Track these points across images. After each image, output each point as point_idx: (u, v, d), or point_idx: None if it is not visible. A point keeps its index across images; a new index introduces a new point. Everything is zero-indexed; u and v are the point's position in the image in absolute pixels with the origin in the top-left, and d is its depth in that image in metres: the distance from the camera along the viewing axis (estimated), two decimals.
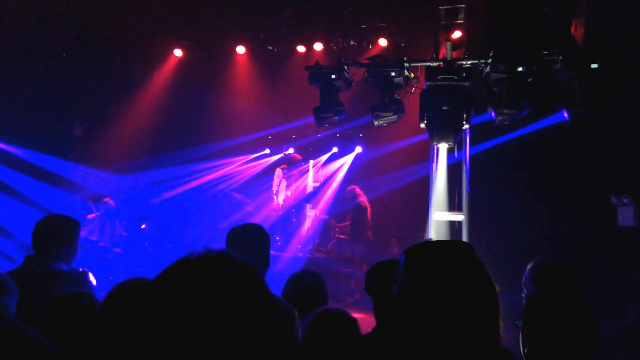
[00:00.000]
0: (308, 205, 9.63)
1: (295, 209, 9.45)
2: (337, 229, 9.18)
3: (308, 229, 9.35)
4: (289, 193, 9.48)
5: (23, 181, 8.86)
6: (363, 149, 10.14)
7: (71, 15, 8.23)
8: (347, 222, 8.76)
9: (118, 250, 8.08)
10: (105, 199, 8.64)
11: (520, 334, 2.15)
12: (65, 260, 2.78)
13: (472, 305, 1.43)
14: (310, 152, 10.49)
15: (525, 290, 2.81)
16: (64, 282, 2.56)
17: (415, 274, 1.51)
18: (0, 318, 1.86)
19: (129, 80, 9.82)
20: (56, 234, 2.78)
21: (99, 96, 9.66)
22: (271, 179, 9.86)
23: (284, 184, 9.42)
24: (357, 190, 8.73)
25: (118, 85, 9.71)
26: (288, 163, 9.64)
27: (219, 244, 8.24)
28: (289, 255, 8.62)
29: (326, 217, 9.36)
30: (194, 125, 10.01)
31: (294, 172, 9.59)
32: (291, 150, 10.18)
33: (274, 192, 9.46)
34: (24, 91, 8.85)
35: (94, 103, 9.70)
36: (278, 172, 9.57)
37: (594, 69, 5.46)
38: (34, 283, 2.10)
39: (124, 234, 8.40)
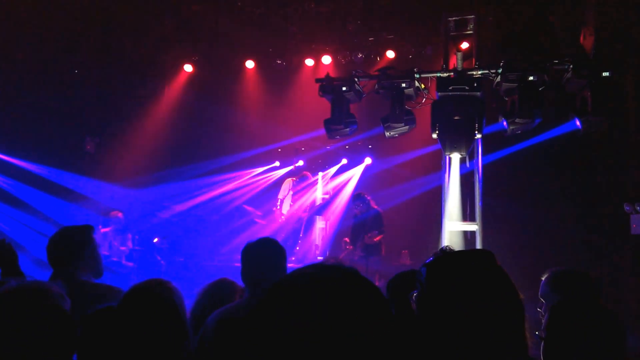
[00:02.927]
0: (318, 217, 9.61)
1: (305, 221, 9.42)
2: (346, 241, 9.13)
3: (319, 240, 9.33)
4: (291, 205, 9.45)
5: (35, 195, 8.95)
6: (373, 161, 10.13)
7: (83, 32, 8.37)
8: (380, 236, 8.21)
9: (130, 264, 8.09)
10: (114, 213, 8.68)
11: (542, 345, 2.13)
12: (89, 272, 2.76)
13: (498, 315, 1.42)
14: (319, 164, 10.50)
15: (543, 302, 2.77)
16: (98, 295, 2.53)
17: (437, 285, 1.50)
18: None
19: (139, 95, 9.92)
20: (75, 246, 2.73)
21: (110, 111, 9.77)
22: (279, 191, 9.83)
23: (290, 195, 9.40)
24: (368, 196, 8.45)
25: (129, 100, 9.81)
26: (299, 177, 9.61)
27: (231, 256, 8.28)
28: (299, 266, 8.58)
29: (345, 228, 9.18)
30: (204, 139, 10.08)
31: (302, 186, 9.55)
32: (300, 163, 10.18)
33: (279, 201, 9.43)
34: (36, 107, 8.97)
35: (105, 118, 9.81)
36: (288, 182, 9.56)
37: (605, 77, 5.45)
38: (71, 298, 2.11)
39: (136, 248, 8.42)
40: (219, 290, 2.88)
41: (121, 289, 2.67)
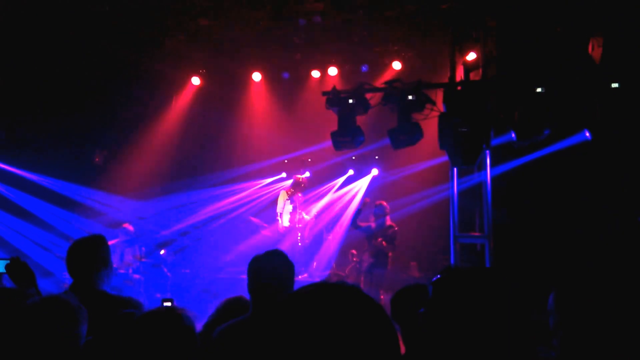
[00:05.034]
0: (324, 229, 9.57)
1: (312, 232, 9.38)
2: (353, 253, 9.07)
3: (325, 252, 9.29)
4: (296, 215, 9.35)
5: (44, 208, 8.99)
6: (379, 172, 10.11)
7: (92, 45, 8.46)
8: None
9: (137, 276, 8.10)
10: (124, 225, 8.72)
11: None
12: (106, 282, 2.81)
13: (507, 336, 1.40)
14: (325, 175, 10.49)
15: (551, 317, 2.72)
16: (116, 305, 2.58)
17: (444, 304, 1.47)
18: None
19: (147, 108, 9.99)
20: (94, 256, 2.79)
21: (118, 124, 9.84)
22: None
23: (289, 206, 9.33)
24: (387, 208, 8.12)
25: (137, 112, 9.88)
26: (294, 187, 9.50)
27: (237, 268, 8.25)
28: (305, 279, 8.55)
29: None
30: (211, 151, 10.12)
31: (299, 195, 9.43)
32: (307, 174, 10.15)
33: (278, 214, 9.35)
34: (44, 119, 9.03)
35: (114, 130, 9.88)
36: (282, 195, 9.50)
37: (615, 88, 5.41)
38: (89, 307, 2.17)
39: (143, 260, 8.43)
40: (234, 309, 2.85)
41: (139, 301, 2.72)
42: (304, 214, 9.28)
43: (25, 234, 8.66)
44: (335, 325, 0.89)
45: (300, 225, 9.17)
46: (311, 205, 9.74)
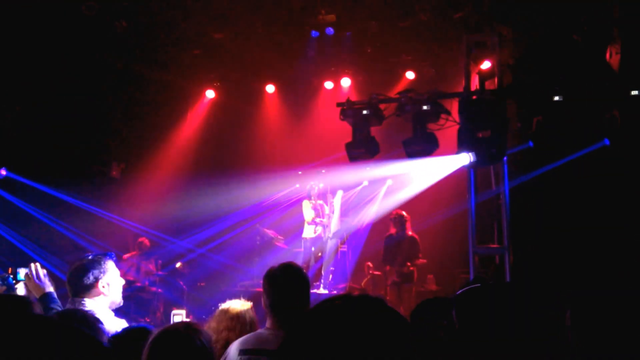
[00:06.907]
0: (339, 241, 9.49)
1: (325, 244, 9.30)
2: (369, 265, 8.97)
3: (340, 264, 9.21)
4: (319, 228, 9.27)
5: (59, 221, 9.05)
6: (395, 182, 10.02)
7: (108, 59, 8.59)
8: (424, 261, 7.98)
9: (154, 289, 8.12)
10: (141, 239, 8.76)
11: None
12: (107, 301, 2.76)
13: (528, 351, 1.38)
14: (340, 186, 10.42)
15: (570, 333, 2.67)
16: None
17: (468, 319, 1.47)
18: None
19: (163, 121, 10.08)
20: (81, 277, 2.72)
21: (134, 137, 9.94)
22: (300, 214, 9.68)
23: (312, 215, 9.24)
24: (407, 219, 7.98)
25: (153, 126, 9.97)
26: (309, 196, 9.41)
27: (252, 281, 8.22)
28: (321, 292, 8.48)
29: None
30: (226, 163, 10.15)
31: (319, 202, 9.33)
32: (321, 185, 10.08)
33: (308, 222, 9.24)
34: (62, 133, 9.14)
35: (131, 144, 9.98)
36: (306, 203, 9.43)
37: (634, 95, 5.32)
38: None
39: (159, 273, 8.46)
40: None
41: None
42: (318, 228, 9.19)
43: (39, 247, 8.72)
44: (364, 336, 0.91)
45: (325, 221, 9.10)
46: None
